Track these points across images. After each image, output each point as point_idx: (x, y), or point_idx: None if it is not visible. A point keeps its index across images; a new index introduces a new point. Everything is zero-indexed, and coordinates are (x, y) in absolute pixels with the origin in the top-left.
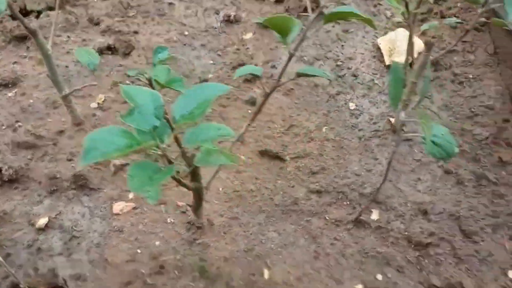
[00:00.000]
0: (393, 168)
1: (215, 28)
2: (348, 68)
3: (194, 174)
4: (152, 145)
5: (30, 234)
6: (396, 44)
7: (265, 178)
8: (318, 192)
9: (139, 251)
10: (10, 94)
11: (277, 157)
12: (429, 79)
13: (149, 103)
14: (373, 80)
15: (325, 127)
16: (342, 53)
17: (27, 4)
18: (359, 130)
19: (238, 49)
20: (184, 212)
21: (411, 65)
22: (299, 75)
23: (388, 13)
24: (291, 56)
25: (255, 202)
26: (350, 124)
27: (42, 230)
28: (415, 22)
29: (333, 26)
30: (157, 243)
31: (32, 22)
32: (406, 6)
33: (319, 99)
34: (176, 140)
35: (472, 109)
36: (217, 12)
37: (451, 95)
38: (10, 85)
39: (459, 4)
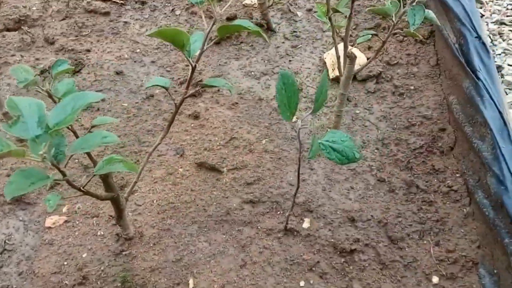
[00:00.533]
0: (328, 178)
1: (166, 45)
2: None
3: (106, 184)
4: (27, 154)
5: None
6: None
7: (201, 189)
8: (252, 202)
9: (65, 263)
10: None
11: (214, 169)
12: (344, 94)
13: (34, 113)
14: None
15: (265, 139)
16: (289, 68)
17: None
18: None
19: (187, 65)
20: (115, 225)
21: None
22: (203, 86)
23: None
24: (193, 68)
25: (189, 214)
26: (290, 136)
27: None
28: (347, 37)
29: (283, 42)
30: (84, 255)
31: None
32: (330, 20)
33: (262, 112)
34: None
35: (410, 119)
36: None
37: (390, 106)
38: None
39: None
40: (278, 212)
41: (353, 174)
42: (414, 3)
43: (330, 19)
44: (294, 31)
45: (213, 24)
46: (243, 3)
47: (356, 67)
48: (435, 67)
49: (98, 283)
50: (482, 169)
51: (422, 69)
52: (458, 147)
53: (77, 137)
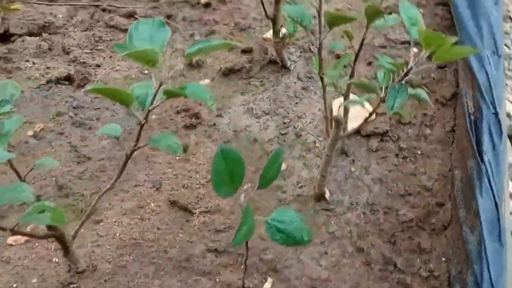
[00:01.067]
0: None
1: (177, 70)
2: (294, 127)
3: (49, 225)
4: None
5: None
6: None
7: (168, 229)
8: (217, 251)
9: (15, 285)
10: None
11: (186, 209)
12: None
13: None
14: (315, 142)
15: (247, 185)
16: (293, 111)
17: (10, 28)
18: (282, 192)
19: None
20: None
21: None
22: (169, 95)
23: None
24: (141, 125)
25: (149, 253)
26: (274, 184)
27: None
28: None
29: (295, 83)
30: (34, 280)
31: None
32: (322, 80)
33: (253, 155)
34: None
35: (407, 188)
36: (183, 55)
37: (390, 169)
38: None
39: (432, 75)
40: (242, 266)
41: (331, 238)
42: (401, 82)
43: (321, 79)
44: (309, 72)
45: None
46: (263, 36)
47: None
48: (450, 133)
49: None
50: (465, 261)
51: (436, 132)
52: (452, 228)
53: (19, 177)
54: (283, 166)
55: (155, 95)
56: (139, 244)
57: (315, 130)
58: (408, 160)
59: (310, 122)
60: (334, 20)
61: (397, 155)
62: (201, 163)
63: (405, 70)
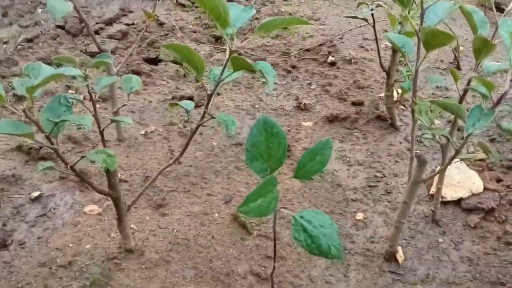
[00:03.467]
0: None
1: (284, 110)
2: (386, 184)
3: (109, 181)
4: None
5: None
6: (450, 175)
7: (221, 240)
8: (259, 277)
9: (70, 245)
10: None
11: (245, 227)
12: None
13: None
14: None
15: None
16: (390, 168)
17: (160, 55)
18: (351, 241)
19: (289, 131)
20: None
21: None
22: (212, 117)
23: (471, 148)
24: (209, 97)
25: (195, 257)
26: (344, 232)
27: None
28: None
29: (400, 143)
30: (88, 246)
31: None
32: (412, 112)
33: (331, 198)
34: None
35: (502, 277)
36: (296, 99)
37: (486, 252)
38: None
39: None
40: None
41: None
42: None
43: (413, 111)
44: (420, 136)
45: (229, 56)
46: (379, 95)
47: (466, 193)
48: None
49: (76, 273)
50: None
51: None
52: None
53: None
54: (359, 216)
55: (225, 64)
56: (190, 246)
57: None
58: (511, 247)
59: (405, 183)
60: (431, 39)
61: (499, 239)
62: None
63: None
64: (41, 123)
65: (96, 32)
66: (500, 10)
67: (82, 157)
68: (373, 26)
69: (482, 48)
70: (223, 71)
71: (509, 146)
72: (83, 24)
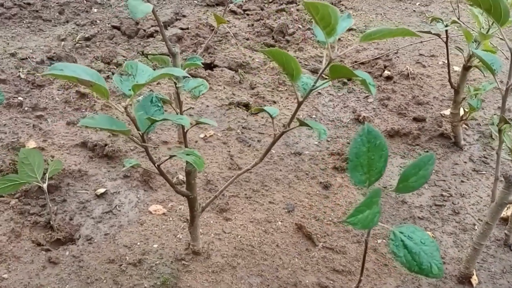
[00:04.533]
0: None
1: (342, 121)
2: (453, 203)
3: (188, 182)
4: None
5: None
6: None
7: (286, 250)
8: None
9: (138, 243)
10: None
11: (310, 238)
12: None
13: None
14: (474, 225)
15: (382, 239)
16: (456, 187)
17: (216, 61)
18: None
19: (348, 143)
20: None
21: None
22: (301, 123)
23: None
24: (299, 104)
25: (261, 265)
26: None
27: None
28: None
29: (465, 162)
30: (155, 245)
31: (176, 47)
32: (499, 132)
33: (397, 214)
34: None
35: None
36: (354, 112)
37: None
38: None
39: None
40: None
41: None
42: None
43: (500, 131)
44: (485, 157)
45: (328, 64)
46: (441, 112)
47: None
48: None
49: (146, 271)
50: None
51: None
52: None
53: (180, 110)
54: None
55: (323, 70)
56: (255, 253)
57: (477, 213)
58: None
59: (473, 204)
60: None
61: None
62: (339, 204)
63: None
64: (137, 121)
65: (151, 35)
66: None
67: (171, 156)
68: (446, 43)
69: None
70: (318, 78)
71: None
72: (138, 26)
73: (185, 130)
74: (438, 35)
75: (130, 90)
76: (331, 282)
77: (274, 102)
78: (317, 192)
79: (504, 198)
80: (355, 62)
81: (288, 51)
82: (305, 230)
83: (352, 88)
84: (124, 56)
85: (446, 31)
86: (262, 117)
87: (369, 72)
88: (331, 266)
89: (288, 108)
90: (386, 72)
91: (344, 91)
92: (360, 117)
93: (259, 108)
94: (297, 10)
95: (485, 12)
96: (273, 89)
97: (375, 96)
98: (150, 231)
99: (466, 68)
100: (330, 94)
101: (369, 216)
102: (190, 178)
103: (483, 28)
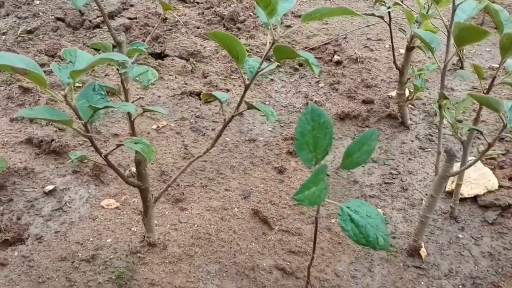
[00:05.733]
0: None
1: (294, 107)
2: (402, 180)
3: (139, 172)
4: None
5: None
6: (466, 172)
7: (243, 235)
8: (284, 271)
9: (91, 239)
10: None
11: (266, 222)
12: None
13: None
14: (421, 200)
15: (334, 219)
16: (404, 165)
17: (166, 50)
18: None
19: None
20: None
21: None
22: (250, 106)
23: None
24: (246, 86)
25: (218, 252)
26: None
27: None
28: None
29: (412, 141)
30: (109, 240)
31: (121, 36)
32: (440, 108)
33: (349, 194)
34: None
35: None
36: (306, 97)
37: (507, 247)
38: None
39: None
40: None
41: None
42: None
43: (440, 107)
44: (430, 135)
45: (272, 45)
46: (388, 94)
47: (482, 190)
48: None
49: (100, 267)
50: None
51: None
52: None
53: (126, 98)
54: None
55: (267, 52)
56: (212, 240)
57: (425, 189)
58: None
59: (420, 180)
60: (465, 35)
61: None
62: (294, 187)
63: None
64: (79, 110)
65: (97, 26)
66: None
67: (118, 145)
68: (389, 24)
69: (510, 45)
70: (263, 60)
71: None
72: (83, 17)
73: (131, 119)
74: (382, 17)
75: (69, 78)
76: (288, 263)
77: (228, 90)
78: (272, 177)
79: (446, 171)
80: (306, 48)
81: (239, 38)
82: (261, 215)
83: (304, 74)
84: None
85: (389, 13)
86: (216, 106)
87: (319, 58)
88: (287, 248)
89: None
90: (336, 57)
91: (296, 77)
92: (312, 102)
93: (208, 93)
94: None
95: None
96: (225, 77)
97: (325, 80)
98: (103, 226)
99: (409, 49)
100: (283, 81)
101: (315, 193)
102: (141, 168)
103: (423, 8)
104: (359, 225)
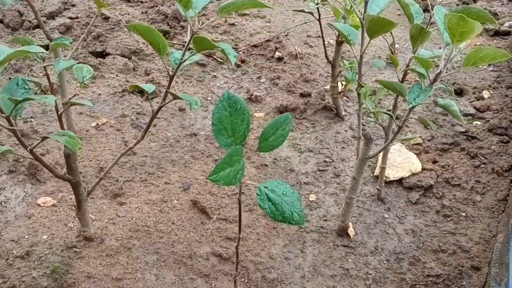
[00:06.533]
0: (314, 267)
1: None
2: (335, 167)
3: (68, 165)
4: None
5: None
6: (392, 157)
7: (181, 226)
8: (221, 257)
9: (26, 237)
10: None
11: (204, 211)
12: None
13: None
14: None
15: None
16: (337, 153)
17: (108, 48)
18: (306, 221)
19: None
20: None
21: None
22: (174, 97)
23: (409, 134)
24: (171, 77)
25: (157, 243)
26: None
27: None
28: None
29: (346, 131)
30: (44, 236)
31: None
32: (358, 96)
33: (285, 181)
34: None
35: (442, 245)
36: (247, 92)
37: (427, 224)
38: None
39: (493, 147)
40: (242, 280)
41: (344, 275)
42: (431, 85)
43: (359, 94)
44: (363, 125)
45: (191, 37)
46: (325, 87)
47: (406, 173)
48: (501, 202)
49: (35, 262)
50: None
51: (486, 200)
52: None
53: (51, 91)
54: (312, 198)
55: (188, 44)
56: (150, 232)
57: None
58: (449, 219)
59: (352, 166)
60: (375, 26)
61: (438, 212)
62: None
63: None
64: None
65: (37, 26)
66: (432, 8)
67: (44, 138)
68: (319, 20)
69: (418, 35)
70: (184, 51)
71: (442, 131)
72: (23, 18)
73: (59, 113)
74: (311, 13)
75: None
76: (225, 249)
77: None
78: (212, 168)
79: (365, 154)
80: (248, 45)
81: (183, 37)
82: (200, 205)
83: (246, 70)
84: None
85: (318, 9)
86: (157, 102)
87: (262, 54)
88: (224, 235)
89: (184, 92)
90: (277, 54)
91: (238, 73)
92: (253, 96)
93: (134, 85)
94: None
95: None
96: (168, 74)
97: (267, 76)
98: (39, 223)
99: (339, 43)
100: (225, 77)
101: (231, 173)
102: (70, 161)
103: (347, 5)
104: (275, 203)
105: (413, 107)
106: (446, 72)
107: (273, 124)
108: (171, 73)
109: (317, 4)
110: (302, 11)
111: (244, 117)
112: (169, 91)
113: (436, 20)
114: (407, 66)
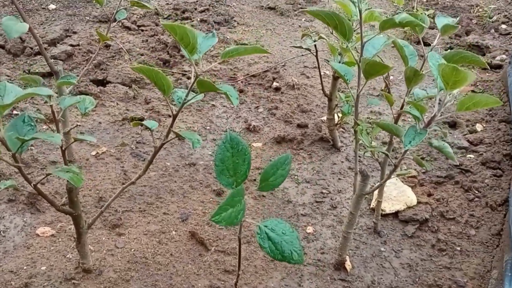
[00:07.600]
0: None
1: (234, 131)
2: (331, 199)
3: (70, 199)
4: None
5: None
6: (387, 190)
7: (180, 258)
8: None
9: (25, 267)
10: None
11: (203, 243)
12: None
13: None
14: None
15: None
16: (334, 185)
17: (109, 77)
18: (304, 253)
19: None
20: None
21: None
22: (177, 135)
23: (404, 167)
24: (174, 116)
25: (155, 275)
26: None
27: None
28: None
29: (342, 162)
30: (43, 267)
31: (58, 65)
32: (355, 133)
33: (282, 213)
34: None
35: (438, 280)
36: (245, 121)
37: (423, 259)
38: None
39: (487, 181)
40: None
41: None
42: (426, 128)
43: (355, 131)
44: (359, 157)
45: (195, 79)
46: (321, 119)
47: (402, 206)
48: (495, 236)
49: None
50: None
51: (481, 234)
52: None
53: (57, 129)
54: (310, 230)
55: (191, 86)
56: (149, 264)
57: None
58: (444, 253)
59: (348, 198)
60: (371, 69)
61: (433, 246)
62: None
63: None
64: (7, 141)
65: (39, 53)
66: (426, 44)
67: (48, 174)
68: (316, 55)
69: (413, 77)
70: (188, 93)
71: (436, 165)
72: (24, 44)
73: (63, 148)
74: (309, 49)
75: None
76: (222, 282)
77: (170, 116)
78: (211, 199)
79: (362, 190)
80: (247, 74)
81: (183, 66)
82: (198, 237)
83: (244, 100)
84: (8, 76)
85: (315, 45)
86: (157, 131)
87: (260, 84)
88: (222, 268)
89: (183, 121)
90: (275, 84)
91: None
92: (251, 126)
93: (137, 122)
94: (192, 26)
95: (333, 29)
96: (168, 104)
97: (264, 106)
98: (38, 254)
99: (335, 78)
100: (224, 106)
101: (232, 214)
102: (72, 196)
103: (343, 43)
104: (275, 242)
105: (407, 149)
106: (440, 116)
107: (273, 164)
108: (174, 112)
109: (314, 41)
110: (300, 47)
111: (245, 157)
112: (172, 130)
113: (430, 66)
114: (402, 105)
